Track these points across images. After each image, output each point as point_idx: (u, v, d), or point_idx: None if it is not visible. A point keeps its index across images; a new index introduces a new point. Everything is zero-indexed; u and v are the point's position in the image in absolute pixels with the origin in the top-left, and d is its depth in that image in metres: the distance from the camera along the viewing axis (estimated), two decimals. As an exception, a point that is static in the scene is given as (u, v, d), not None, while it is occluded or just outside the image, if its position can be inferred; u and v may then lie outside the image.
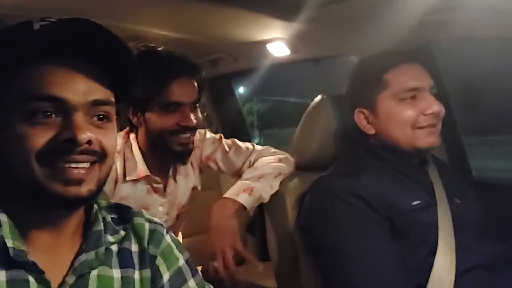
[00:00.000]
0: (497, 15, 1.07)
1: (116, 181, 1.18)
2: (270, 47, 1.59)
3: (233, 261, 1.07)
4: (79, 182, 0.57)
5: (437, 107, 1.01)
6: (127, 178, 1.19)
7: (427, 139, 1.03)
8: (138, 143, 1.22)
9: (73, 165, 0.56)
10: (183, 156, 1.21)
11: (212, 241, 1.09)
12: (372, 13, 1.23)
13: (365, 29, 1.33)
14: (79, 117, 0.57)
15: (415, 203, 0.99)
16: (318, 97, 1.26)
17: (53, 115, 0.56)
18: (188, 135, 1.17)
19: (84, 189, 0.57)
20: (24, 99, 0.55)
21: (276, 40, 1.54)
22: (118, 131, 1.25)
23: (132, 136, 1.23)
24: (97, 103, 0.59)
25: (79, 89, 0.57)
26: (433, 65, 1.40)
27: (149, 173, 1.21)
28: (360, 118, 1.10)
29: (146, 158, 1.21)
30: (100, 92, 0.59)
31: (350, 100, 1.14)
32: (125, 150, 1.21)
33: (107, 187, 1.15)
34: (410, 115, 1.02)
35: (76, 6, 1.22)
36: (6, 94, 0.57)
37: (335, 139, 1.23)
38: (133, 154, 1.20)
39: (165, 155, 1.21)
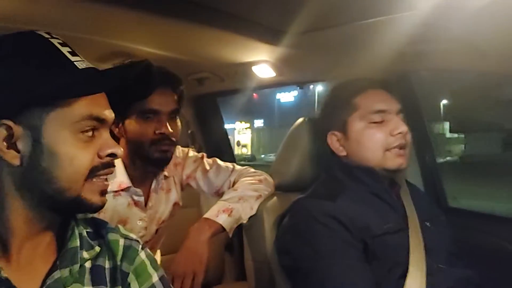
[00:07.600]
0: (469, 49, 1.14)
1: None
2: (255, 69, 1.62)
3: (198, 285, 1.07)
4: (105, 193, 0.66)
5: (404, 127, 1.07)
6: (108, 189, 1.19)
7: (396, 161, 1.08)
8: None
9: (103, 178, 0.65)
10: (161, 163, 1.23)
11: (177, 262, 1.09)
12: (354, 42, 1.28)
13: (347, 57, 1.38)
14: (108, 134, 0.65)
15: (387, 226, 1.01)
16: (299, 120, 1.30)
17: (95, 132, 0.63)
18: (168, 145, 1.19)
19: (105, 198, 0.66)
20: (78, 118, 0.60)
21: (262, 63, 1.57)
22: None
23: None
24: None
25: (108, 109, 0.66)
26: (411, 93, 1.45)
27: (130, 185, 1.21)
28: (333, 141, 1.15)
29: (128, 170, 1.22)
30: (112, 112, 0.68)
31: (323, 123, 1.20)
32: None
33: None
34: (379, 137, 1.08)
35: (65, 22, 1.23)
36: (56, 112, 0.59)
37: (314, 160, 1.26)
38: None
39: (144, 163, 1.22)
